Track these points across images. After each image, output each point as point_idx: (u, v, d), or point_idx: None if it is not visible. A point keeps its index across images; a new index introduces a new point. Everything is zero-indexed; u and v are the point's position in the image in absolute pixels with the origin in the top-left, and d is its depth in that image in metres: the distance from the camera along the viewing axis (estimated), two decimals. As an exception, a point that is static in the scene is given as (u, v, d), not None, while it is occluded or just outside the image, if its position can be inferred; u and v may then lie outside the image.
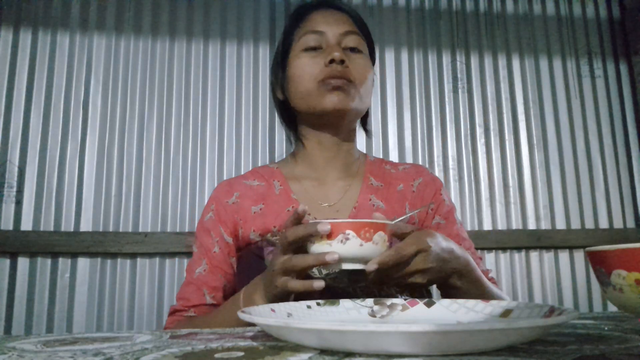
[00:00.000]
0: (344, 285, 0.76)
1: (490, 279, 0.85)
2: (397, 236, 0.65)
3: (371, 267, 0.59)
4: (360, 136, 0.97)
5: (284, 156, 1.00)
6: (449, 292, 0.70)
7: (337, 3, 0.92)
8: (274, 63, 0.94)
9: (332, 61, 0.82)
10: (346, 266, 0.59)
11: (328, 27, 0.86)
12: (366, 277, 0.63)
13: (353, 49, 0.87)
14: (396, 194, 0.90)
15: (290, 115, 0.94)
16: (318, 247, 0.59)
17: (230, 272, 0.86)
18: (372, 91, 0.91)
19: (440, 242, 0.65)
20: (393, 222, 0.62)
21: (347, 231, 0.58)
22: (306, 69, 0.84)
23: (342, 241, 0.57)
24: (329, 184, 0.89)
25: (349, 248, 0.58)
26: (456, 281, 0.68)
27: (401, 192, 0.90)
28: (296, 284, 0.61)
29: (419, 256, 0.62)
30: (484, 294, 0.71)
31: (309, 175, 0.91)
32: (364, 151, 1.01)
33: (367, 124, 1.00)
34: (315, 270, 0.75)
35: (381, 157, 1.78)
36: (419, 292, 0.84)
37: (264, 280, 0.67)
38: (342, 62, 0.82)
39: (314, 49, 0.85)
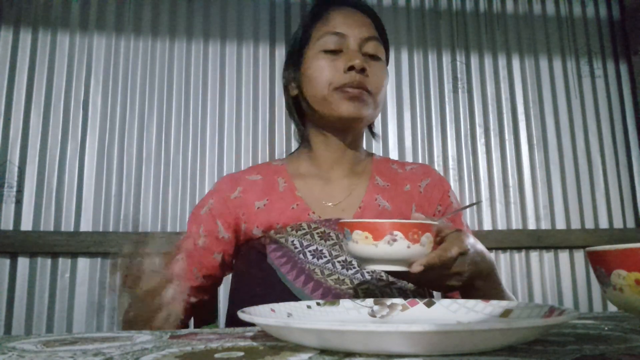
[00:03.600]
0: (346, 287, 0.76)
1: None
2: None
3: (417, 268, 0.57)
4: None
5: (284, 155, 0.99)
6: (469, 292, 0.70)
7: (359, 2, 0.89)
8: (288, 57, 0.92)
9: (351, 68, 0.80)
10: (390, 268, 0.58)
11: (350, 30, 0.84)
12: (408, 278, 0.62)
13: (373, 56, 0.85)
14: (403, 194, 0.88)
15: (300, 111, 0.92)
16: (363, 248, 0.57)
17: (209, 266, 0.85)
18: (386, 97, 0.90)
19: (475, 245, 0.66)
20: (437, 222, 0.62)
21: (395, 232, 0.56)
22: (324, 73, 0.82)
23: (389, 242, 0.56)
24: (335, 183, 0.88)
25: (396, 249, 0.56)
26: (479, 282, 0.68)
27: (408, 193, 0.89)
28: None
29: (459, 259, 0.62)
30: (499, 297, 0.72)
31: (314, 174, 0.89)
32: (365, 151, 1.00)
33: (374, 127, 0.99)
34: (349, 274, 0.75)
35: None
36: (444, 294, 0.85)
37: None
38: (362, 70, 0.81)
39: (333, 51, 0.83)
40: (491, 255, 0.71)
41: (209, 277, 0.86)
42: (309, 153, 0.91)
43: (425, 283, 0.64)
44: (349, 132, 0.87)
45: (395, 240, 0.56)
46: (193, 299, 0.86)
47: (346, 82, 0.80)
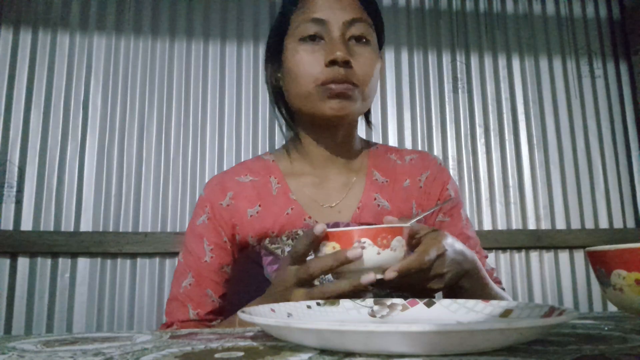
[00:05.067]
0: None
1: (495, 279, 0.81)
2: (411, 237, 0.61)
3: (390, 275, 0.55)
4: (361, 130, 0.92)
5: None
6: (455, 292, 0.66)
7: None
8: (268, 46, 0.84)
9: (333, 61, 0.72)
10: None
11: (331, 14, 0.74)
12: (384, 285, 0.60)
13: (359, 39, 0.75)
14: (402, 191, 0.83)
15: (286, 102, 0.84)
16: None
17: (221, 283, 0.79)
18: (378, 83, 0.81)
19: (453, 244, 0.63)
20: (409, 224, 0.59)
21: (363, 239, 0.54)
22: (304, 67, 0.74)
23: None
24: (330, 182, 0.82)
25: (366, 257, 0.54)
26: (464, 282, 0.65)
27: (407, 189, 0.83)
28: (334, 287, 0.55)
29: (437, 261, 0.59)
30: (489, 295, 0.69)
31: (308, 172, 0.83)
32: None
33: (370, 116, 0.90)
34: (326, 280, 0.72)
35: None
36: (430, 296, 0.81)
37: (270, 299, 0.61)
38: (346, 62, 0.72)
39: (313, 39, 0.74)
40: (473, 253, 0.68)
41: (223, 297, 0.80)
42: (300, 149, 0.84)
43: (406, 288, 0.62)
44: (339, 128, 0.80)
45: (363, 247, 0.54)
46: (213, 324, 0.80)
47: (329, 78, 0.72)
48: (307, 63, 0.74)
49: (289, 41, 0.77)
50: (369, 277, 0.53)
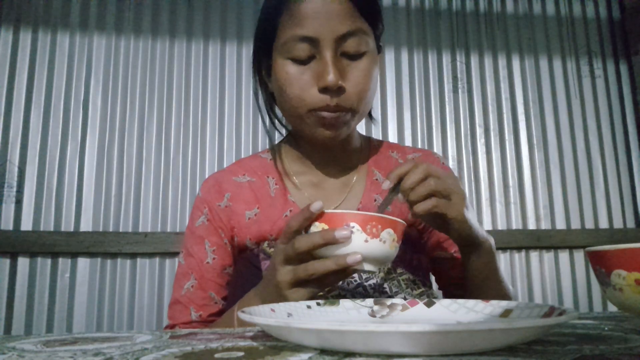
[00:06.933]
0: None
1: None
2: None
3: (386, 185, 0.61)
4: (361, 126, 0.90)
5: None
6: (472, 253, 0.70)
7: None
8: (256, 51, 0.78)
9: (325, 88, 0.68)
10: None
11: (321, 29, 0.68)
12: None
13: (353, 56, 0.70)
14: None
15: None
16: None
17: (224, 285, 0.78)
18: (377, 84, 0.78)
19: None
20: (380, 215, 0.57)
21: (352, 224, 0.51)
22: (294, 90, 0.70)
23: None
24: (329, 182, 0.80)
25: (352, 244, 0.52)
26: (477, 255, 0.69)
27: None
28: (319, 265, 0.53)
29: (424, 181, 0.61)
30: (496, 273, 0.73)
31: (306, 172, 0.81)
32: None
33: (372, 110, 0.86)
34: (350, 289, 0.70)
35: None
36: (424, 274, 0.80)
37: (262, 285, 0.61)
38: (338, 88, 0.68)
39: (303, 61, 0.70)
40: (489, 235, 0.72)
41: (226, 299, 0.79)
42: (296, 149, 0.82)
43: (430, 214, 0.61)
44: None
45: (352, 232, 0.52)
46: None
47: (320, 106, 0.69)
48: (296, 86, 0.70)
49: (277, 54, 0.72)
50: (355, 257, 0.51)
